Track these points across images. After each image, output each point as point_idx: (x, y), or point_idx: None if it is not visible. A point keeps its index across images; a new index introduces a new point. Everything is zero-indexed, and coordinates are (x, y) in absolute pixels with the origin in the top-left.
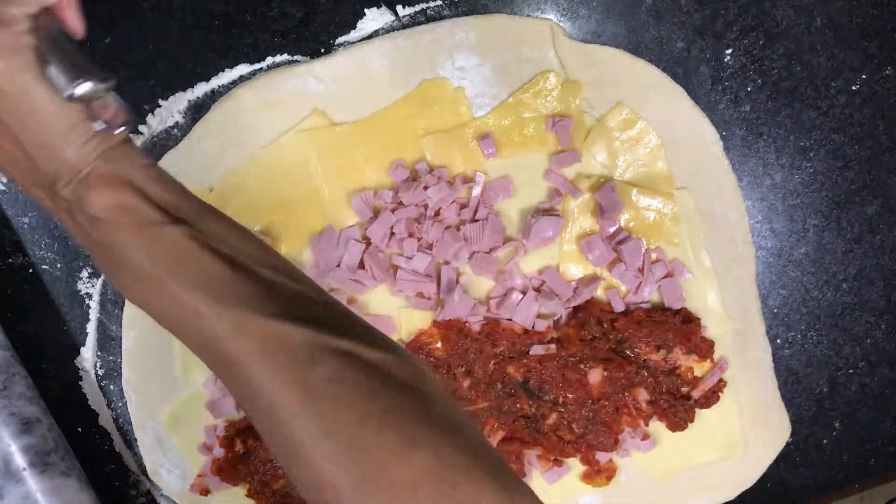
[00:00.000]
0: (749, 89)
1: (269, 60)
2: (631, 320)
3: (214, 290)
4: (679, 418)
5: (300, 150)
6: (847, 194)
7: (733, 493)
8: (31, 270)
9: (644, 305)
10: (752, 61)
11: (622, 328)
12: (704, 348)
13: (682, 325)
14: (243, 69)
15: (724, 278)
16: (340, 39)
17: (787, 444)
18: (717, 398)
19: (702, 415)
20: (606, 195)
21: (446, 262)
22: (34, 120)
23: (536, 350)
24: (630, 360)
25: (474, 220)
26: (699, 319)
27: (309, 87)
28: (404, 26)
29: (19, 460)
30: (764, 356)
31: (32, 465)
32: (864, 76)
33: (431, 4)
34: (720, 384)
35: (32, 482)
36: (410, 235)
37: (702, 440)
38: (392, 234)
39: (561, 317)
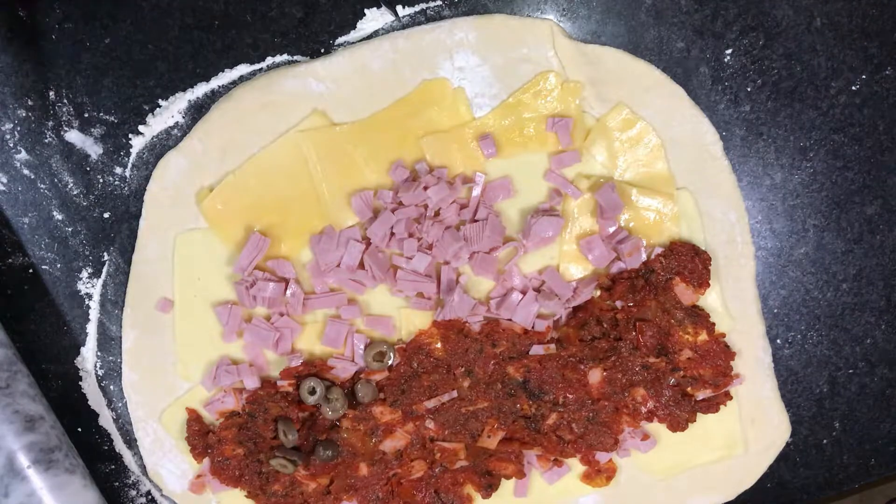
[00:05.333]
0: (749, 89)
1: (269, 60)
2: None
3: None
4: (680, 419)
5: (300, 150)
6: (847, 194)
7: (733, 493)
8: (31, 270)
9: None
10: (752, 61)
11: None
12: (704, 275)
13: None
14: (243, 69)
15: (724, 278)
16: (340, 39)
17: (787, 444)
18: (718, 408)
19: (702, 415)
20: (606, 195)
21: (446, 263)
22: None
23: (536, 350)
24: (630, 358)
25: (474, 221)
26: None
27: (309, 87)
28: (404, 26)
29: (23, 458)
30: (764, 356)
31: (37, 463)
32: (864, 76)
33: (431, 4)
34: (726, 396)
35: (37, 480)
36: (410, 235)
37: (702, 440)
38: (392, 234)
39: (561, 317)
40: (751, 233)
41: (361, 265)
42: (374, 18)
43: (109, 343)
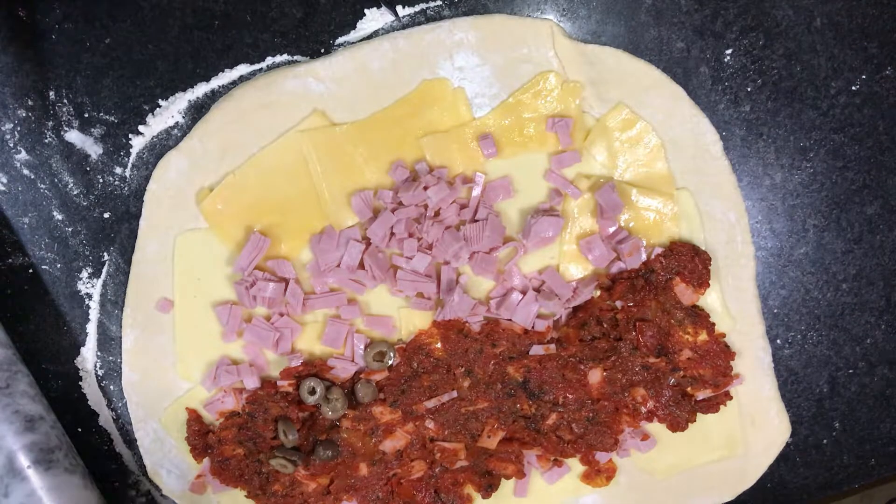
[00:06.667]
0: (749, 89)
1: (269, 60)
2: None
3: None
4: (680, 419)
5: (300, 150)
6: (847, 194)
7: (733, 493)
8: (31, 270)
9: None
10: (752, 61)
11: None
12: (704, 275)
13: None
14: (243, 69)
15: (724, 278)
16: (340, 39)
17: (787, 444)
18: (718, 408)
19: (702, 415)
20: (606, 195)
21: (446, 262)
22: None
23: (536, 350)
24: (630, 358)
25: (474, 221)
26: (709, 256)
27: (309, 87)
28: (404, 26)
29: (23, 458)
30: (764, 356)
31: (36, 463)
32: (864, 76)
33: (431, 4)
34: (726, 396)
35: (37, 480)
36: (410, 235)
37: (702, 440)
38: (392, 234)
39: (561, 317)
40: (751, 233)
41: (361, 265)
42: (374, 18)
43: (109, 343)
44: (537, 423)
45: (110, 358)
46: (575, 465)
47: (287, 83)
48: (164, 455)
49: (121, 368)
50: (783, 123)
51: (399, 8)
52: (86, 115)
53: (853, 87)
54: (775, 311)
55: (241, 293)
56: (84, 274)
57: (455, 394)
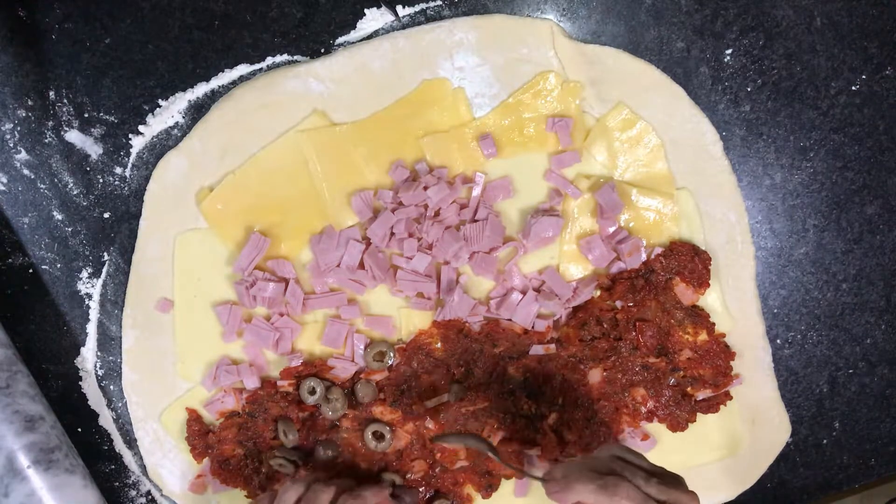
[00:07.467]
0: (749, 89)
1: (269, 60)
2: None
3: None
4: (680, 419)
5: (300, 150)
6: (847, 194)
7: (733, 493)
8: (31, 270)
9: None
10: (752, 61)
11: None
12: (704, 275)
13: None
14: (243, 69)
15: (724, 278)
16: (340, 39)
17: (787, 444)
18: (718, 408)
19: (702, 415)
20: (606, 195)
21: (446, 262)
22: None
23: (536, 350)
24: (630, 358)
25: (474, 221)
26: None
27: (309, 87)
28: (404, 26)
29: (23, 458)
30: (764, 356)
31: (36, 463)
32: (864, 76)
33: (431, 4)
34: (726, 396)
35: (37, 480)
36: (410, 235)
37: (702, 440)
38: (392, 234)
39: (561, 317)
40: (751, 233)
41: (361, 265)
42: (374, 18)
43: (109, 343)
44: (537, 422)
45: (110, 358)
46: None
47: (287, 83)
48: (164, 455)
49: (121, 368)
50: (783, 123)
51: (399, 8)
52: (86, 115)
53: (853, 87)
54: (775, 311)
55: (241, 293)
56: (84, 274)
57: None
